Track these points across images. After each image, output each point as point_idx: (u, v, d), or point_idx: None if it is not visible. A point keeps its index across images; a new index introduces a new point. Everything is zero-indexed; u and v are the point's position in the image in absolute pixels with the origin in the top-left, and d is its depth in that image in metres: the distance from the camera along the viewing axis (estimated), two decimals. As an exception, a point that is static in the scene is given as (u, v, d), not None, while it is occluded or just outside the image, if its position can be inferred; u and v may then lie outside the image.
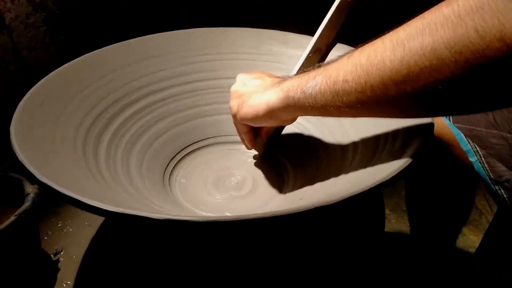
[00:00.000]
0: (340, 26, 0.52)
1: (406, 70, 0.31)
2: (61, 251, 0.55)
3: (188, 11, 1.29)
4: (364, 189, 0.35)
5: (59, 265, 0.54)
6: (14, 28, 0.81)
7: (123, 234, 0.55)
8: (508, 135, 0.55)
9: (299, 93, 0.42)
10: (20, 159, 0.40)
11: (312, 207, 0.33)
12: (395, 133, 0.48)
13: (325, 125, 0.60)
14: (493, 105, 0.32)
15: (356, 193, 0.35)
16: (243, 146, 0.61)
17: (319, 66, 0.41)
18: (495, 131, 0.56)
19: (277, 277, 0.48)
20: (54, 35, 0.90)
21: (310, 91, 0.40)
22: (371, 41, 0.36)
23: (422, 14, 0.31)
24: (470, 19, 0.27)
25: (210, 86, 0.68)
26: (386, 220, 0.58)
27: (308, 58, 0.53)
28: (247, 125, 0.54)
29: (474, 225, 1.15)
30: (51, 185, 0.36)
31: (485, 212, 1.19)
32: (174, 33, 0.71)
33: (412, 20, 0.32)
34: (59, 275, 0.52)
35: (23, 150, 0.41)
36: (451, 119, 0.60)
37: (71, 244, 0.56)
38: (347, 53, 0.38)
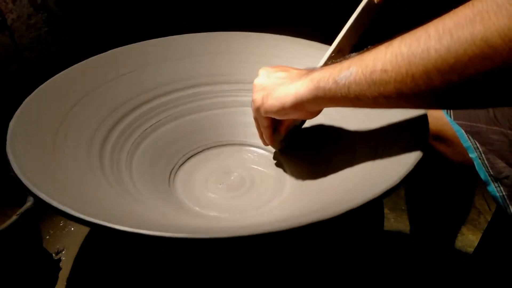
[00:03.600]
0: (365, 27, 0.51)
1: (453, 59, 0.31)
2: (63, 250, 0.55)
3: (190, 12, 1.29)
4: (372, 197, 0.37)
5: (60, 264, 0.54)
6: (15, 29, 0.81)
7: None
8: (509, 131, 0.55)
9: (331, 83, 0.41)
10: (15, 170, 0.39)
11: (313, 221, 0.35)
12: (390, 128, 0.48)
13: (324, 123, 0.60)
14: None
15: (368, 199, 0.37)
16: (246, 147, 0.60)
17: (352, 57, 0.41)
18: (496, 128, 0.56)
19: (276, 277, 0.49)
20: (56, 36, 0.90)
21: (343, 81, 0.40)
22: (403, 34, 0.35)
23: (471, 2, 0.31)
24: None
25: (213, 90, 0.68)
26: (385, 219, 0.58)
27: (330, 58, 0.53)
28: (268, 119, 0.53)
29: (473, 225, 1.15)
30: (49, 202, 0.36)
31: (483, 212, 1.19)
32: (180, 37, 0.70)
33: (459, 8, 0.32)
34: (60, 274, 0.52)
35: (19, 163, 0.40)
36: (452, 116, 0.60)
37: (72, 243, 0.56)
38: (383, 43, 0.38)
